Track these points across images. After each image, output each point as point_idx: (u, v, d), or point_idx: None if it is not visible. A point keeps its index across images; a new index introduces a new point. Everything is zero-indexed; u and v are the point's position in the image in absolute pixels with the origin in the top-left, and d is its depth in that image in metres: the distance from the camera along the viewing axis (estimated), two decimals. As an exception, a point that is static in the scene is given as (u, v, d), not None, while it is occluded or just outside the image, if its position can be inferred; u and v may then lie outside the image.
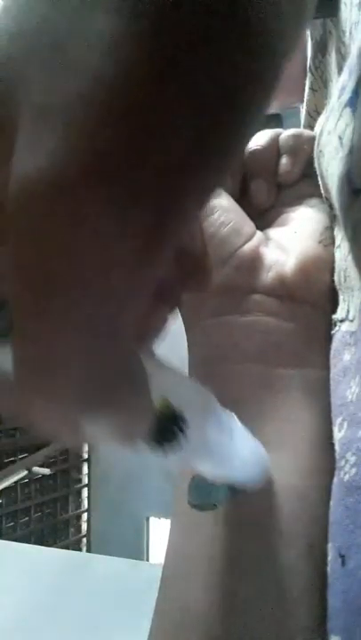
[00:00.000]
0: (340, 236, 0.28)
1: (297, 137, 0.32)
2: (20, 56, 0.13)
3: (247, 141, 0.14)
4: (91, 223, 0.12)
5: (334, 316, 0.28)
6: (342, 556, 0.21)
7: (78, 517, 2.31)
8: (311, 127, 0.38)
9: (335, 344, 0.27)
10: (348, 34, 0.32)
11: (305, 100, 0.41)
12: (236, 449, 0.22)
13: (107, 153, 0.12)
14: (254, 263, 0.28)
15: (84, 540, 2.30)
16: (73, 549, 2.14)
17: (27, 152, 0.12)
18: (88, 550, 2.27)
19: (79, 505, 2.32)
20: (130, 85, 0.12)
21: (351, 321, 0.26)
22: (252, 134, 0.14)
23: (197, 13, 0.12)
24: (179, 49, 0.12)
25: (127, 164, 0.12)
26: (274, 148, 0.32)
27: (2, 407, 0.16)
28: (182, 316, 0.30)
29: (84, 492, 2.33)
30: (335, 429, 0.25)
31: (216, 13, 0.12)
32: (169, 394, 0.19)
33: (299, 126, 0.40)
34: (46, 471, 2.12)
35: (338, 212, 0.27)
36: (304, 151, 0.32)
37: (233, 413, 0.22)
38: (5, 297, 0.13)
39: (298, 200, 0.32)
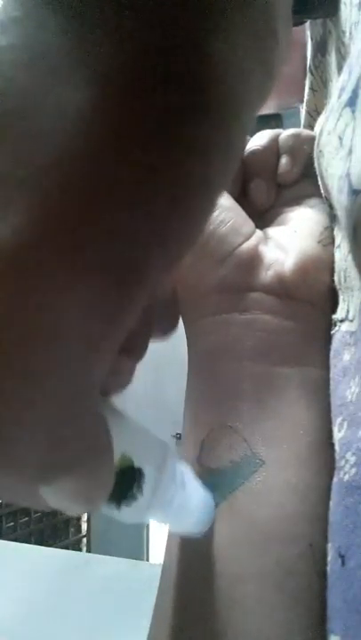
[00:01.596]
0: (340, 235, 0.28)
1: (297, 137, 0.32)
2: None
3: (219, 194, 0.15)
4: (50, 293, 0.12)
5: (334, 316, 0.28)
6: (342, 556, 0.21)
7: (78, 517, 2.30)
8: (311, 127, 0.38)
9: (335, 344, 0.27)
10: (348, 34, 0.32)
11: (305, 99, 0.41)
12: (187, 499, 0.23)
13: (67, 227, 0.12)
14: (253, 262, 0.28)
15: (84, 540, 2.30)
16: (73, 549, 2.14)
17: None
18: (88, 550, 2.26)
19: (79, 505, 2.32)
20: (94, 160, 0.12)
21: (351, 321, 0.26)
22: (222, 190, 0.15)
23: (163, 90, 0.12)
24: (144, 126, 0.12)
25: (89, 238, 0.12)
26: (274, 148, 0.32)
27: None
28: (182, 314, 0.30)
29: (84, 492, 2.32)
30: (335, 429, 0.25)
31: (181, 90, 0.12)
32: (128, 447, 0.19)
33: (299, 126, 0.40)
34: (46, 471, 2.12)
35: (338, 212, 0.27)
36: (304, 151, 0.31)
37: (184, 463, 0.23)
38: None
39: (297, 200, 0.32)
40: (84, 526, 2.31)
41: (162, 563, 0.27)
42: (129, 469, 0.19)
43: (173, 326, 0.21)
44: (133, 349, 0.20)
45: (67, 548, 2.13)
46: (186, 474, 0.23)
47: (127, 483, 0.19)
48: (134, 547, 2.11)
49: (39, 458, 0.13)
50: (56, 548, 1.88)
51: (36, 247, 0.11)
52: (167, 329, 0.21)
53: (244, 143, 0.15)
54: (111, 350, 0.13)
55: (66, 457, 0.13)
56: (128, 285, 0.12)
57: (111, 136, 0.12)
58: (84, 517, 2.30)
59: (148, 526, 2.15)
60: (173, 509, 0.22)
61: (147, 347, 0.21)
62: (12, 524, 2.04)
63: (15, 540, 1.89)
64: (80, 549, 2.25)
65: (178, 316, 0.21)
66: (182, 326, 0.30)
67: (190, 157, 0.13)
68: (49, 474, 0.13)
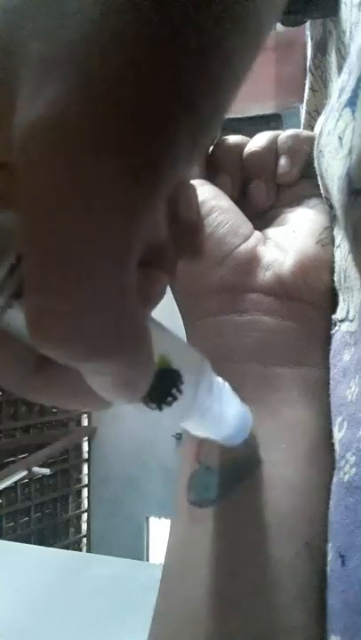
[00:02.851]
0: (340, 236, 0.28)
1: (296, 137, 0.32)
2: (16, 8, 0.13)
3: (240, 84, 0.15)
4: (94, 170, 0.12)
5: (334, 316, 0.28)
6: (342, 556, 0.21)
7: (78, 517, 2.31)
8: (311, 127, 0.38)
9: (335, 344, 0.27)
10: (348, 34, 0.32)
11: (305, 100, 0.41)
12: (224, 410, 0.23)
13: (108, 98, 0.12)
14: (252, 263, 0.28)
15: (84, 540, 2.30)
16: (73, 549, 2.15)
17: (29, 104, 0.12)
18: (88, 550, 2.27)
19: (79, 505, 2.32)
20: (129, 29, 0.12)
21: (351, 321, 0.26)
22: (243, 79, 0.15)
23: None
24: None
25: (129, 108, 0.12)
26: (273, 149, 0.32)
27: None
28: (182, 315, 0.30)
29: (84, 492, 2.33)
30: (335, 429, 0.25)
31: None
32: (167, 351, 0.20)
33: (299, 126, 0.40)
34: (46, 471, 2.12)
35: (338, 212, 0.27)
36: (303, 151, 0.32)
37: (223, 380, 0.23)
38: (20, 254, 0.14)
39: (297, 201, 0.32)
40: (84, 526, 2.31)
41: (162, 563, 0.27)
42: (168, 370, 0.20)
43: (200, 244, 0.22)
44: (163, 263, 0.20)
45: (67, 548, 2.13)
46: (223, 386, 0.23)
47: (167, 383, 0.20)
48: (134, 547, 2.12)
49: (87, 336, 0.13)
50: (56, 547, 1.89)
51: (69, 121, 0.12)
52: (194, 251, 0.21)
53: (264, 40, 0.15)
54: (146, 226, 0.13)
55: (111, 339, 0.14)
56: (159, 157, 0.13)
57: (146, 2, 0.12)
58: (84, 517, 2.30)
59: (148, 526, 2.16)
60: (211, 417, 0.22)
61: (176, 265, 0.21)
62: (12, 524, 2.05)
63: (15, 540, 1.89)
64: (80, 549, 2.25)
65: (204, 240, 0.22)
66: (182, 327, 0.30)
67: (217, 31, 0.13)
68: (96, 352, 0.14)
